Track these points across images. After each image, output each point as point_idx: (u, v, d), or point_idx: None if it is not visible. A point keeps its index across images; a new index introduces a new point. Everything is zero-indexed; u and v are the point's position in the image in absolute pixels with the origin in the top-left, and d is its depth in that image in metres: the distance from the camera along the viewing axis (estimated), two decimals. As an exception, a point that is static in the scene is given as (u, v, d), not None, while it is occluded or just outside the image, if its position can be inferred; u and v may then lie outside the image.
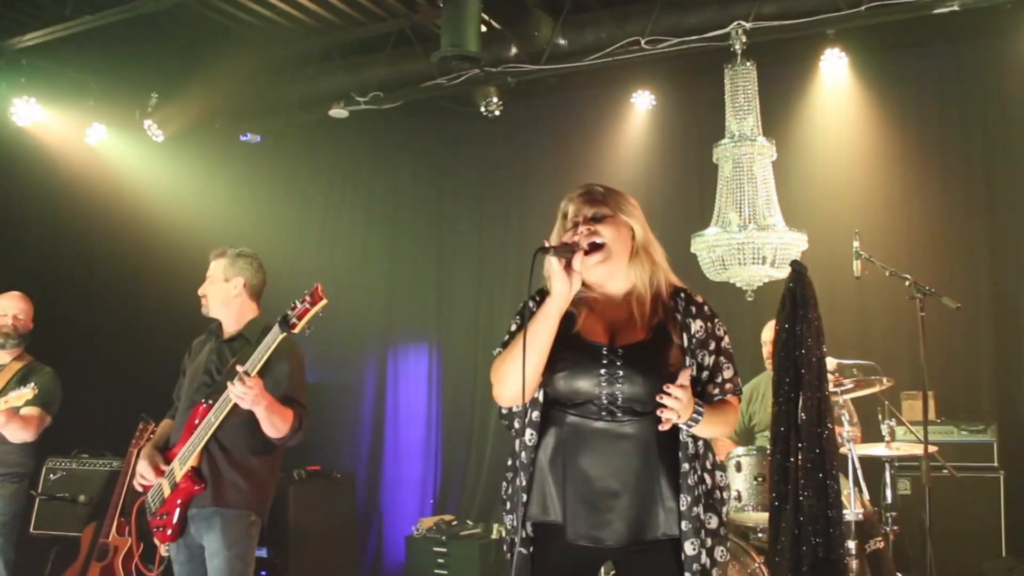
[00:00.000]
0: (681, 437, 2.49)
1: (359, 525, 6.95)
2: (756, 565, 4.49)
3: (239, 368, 3.52)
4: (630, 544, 2.51)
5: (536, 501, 2.57)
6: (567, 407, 2.56)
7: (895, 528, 4.67)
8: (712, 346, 2.57)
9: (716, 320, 2.61)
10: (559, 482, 2.54)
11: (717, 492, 2.57)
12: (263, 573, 5.97)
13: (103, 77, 6.26)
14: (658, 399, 2.36)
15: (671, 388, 2.36)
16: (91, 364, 5.95)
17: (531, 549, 2.60)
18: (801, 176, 6.04)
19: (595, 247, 2.52)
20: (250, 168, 7.25)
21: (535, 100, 6.87)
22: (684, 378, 2.39)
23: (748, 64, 5.45)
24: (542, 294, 2.60)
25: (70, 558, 5.43)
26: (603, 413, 2.50)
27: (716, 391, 2.56)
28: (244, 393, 3.46)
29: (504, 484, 2.72)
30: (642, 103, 6.68)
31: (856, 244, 4.71)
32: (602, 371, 2.50)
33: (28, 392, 4.08)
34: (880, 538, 4.64)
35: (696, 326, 2.55)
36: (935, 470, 4.93)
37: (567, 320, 2.55)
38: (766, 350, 5.36)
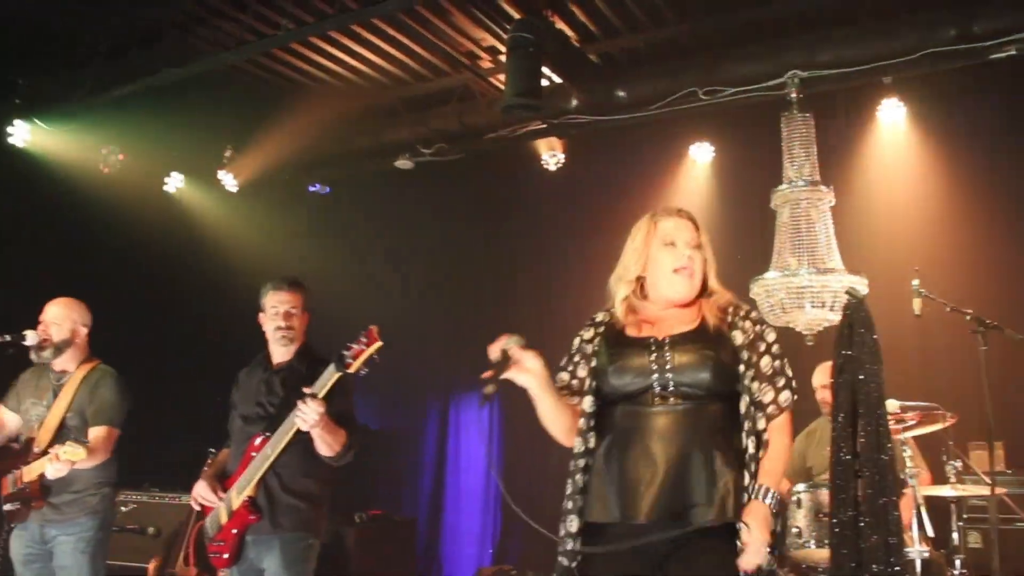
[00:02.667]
0: (745, 425, 2.64)
1: (419, 572, 6.97)
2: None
3: (305, 390, 3.62)
4: (697, 527, 2.55)
5: (594, 502, 2.68)
6: (622, 401, 2.70)
7: (964, 572, 4.56)
8: (761, 347, 2.72)
9: (763, 326, 2.77)
10: (614, 478, 2.64)
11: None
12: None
13: (182, 129, 6.57)
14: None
15: None
16: (162, 401, 6.13)
17: (577, 559, 2.69)
18: (860, 221, 6.04)
19: (690, 271, 2.77)
20: (318, 217, 7.48)
21: (594, 153, 7.01)
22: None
23: (805, 112, 5.53)
24: (594, 322, 2.87)
25: (137, 589, 5.55)
26: (656, 400, 2.65)
27: (761, 423, 2.66)
28: (311, 412, 3.55)
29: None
30: (700, 154, 6.80)
31: (916, 282, 4.71)
32: (651, 359, 2.67)
33: (81, 451, 4.00)
34: (947, 581, 4.54)
35: (739, 331, 2.72)
36: (1008, 521, 4.82)
37: (617, 330, 2.80)
38: (819, 395, 5.34)
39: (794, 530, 4.47)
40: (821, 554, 4.41)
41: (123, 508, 5.92)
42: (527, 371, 2.71)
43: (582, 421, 2.76)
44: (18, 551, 4.34)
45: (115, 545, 5.79)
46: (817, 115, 5.57)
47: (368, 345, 3.50)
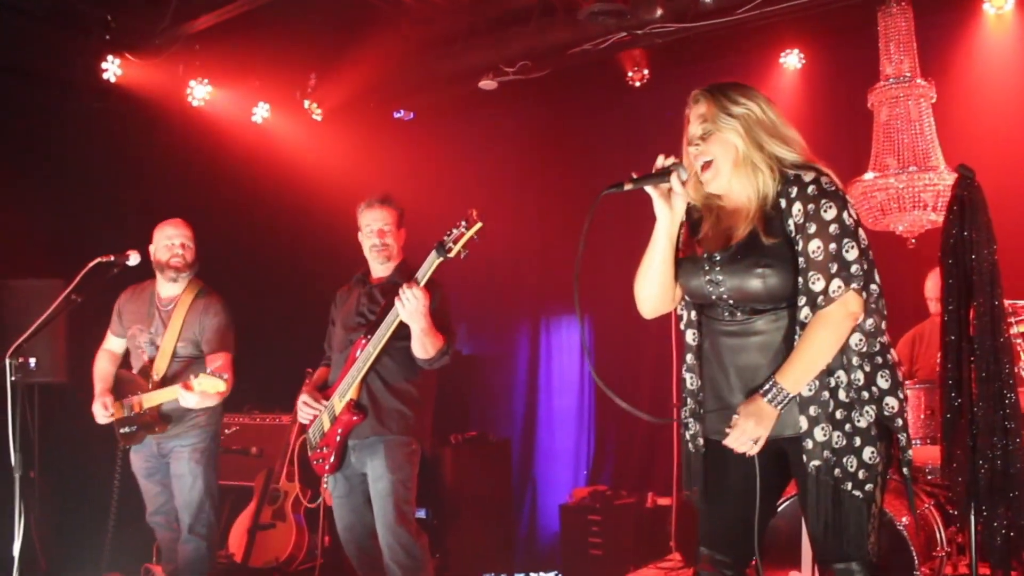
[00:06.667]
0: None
1: (514, 493, 7.03)
2: (926, 507, 4.31)
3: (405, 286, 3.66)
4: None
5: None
6: (702, 308, 2.66)
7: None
8: (812, 229, 2.41)
9: (823, 200, 2.42)
10: (707, 394, 2.66)
11: (856, 391, 2.44)
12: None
13: (267, 58, 6.61)
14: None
15: None
16: (260, 327, 6.26)
17: (700, 442, 2.69)
18: (963, 117, 5.75)
19: (705, 165, 2.56)
20: (403, 143, 7.46)
21: (681, 67, 6.82)
22: None
23: (903, 4, 5.28)
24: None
25: (243, 504, 5.74)
26: (726, 314, 2.57)
27: (805, 311, 2.42)
28: (412, 298, 3.58)
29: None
30: (791, 62, 6.57)
31: (1031, 170, 4.49)
32: (705, 277, 2.56)
33: (221, 384, 4.14)
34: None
35: (795, 210, 2.46)
36: None
37: (697, 226, 2.68)
38: (932, 306, 5.16)
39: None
40: (929, 452, 4.29)
41: (226, 431, 6.12)
42: (671, 204, 2.58)
43: (684, 311, 2.72)
44: (139, 465, 4.54)
45: (221, 465, 6.02)
46: (915, 9, 5.32)
47: (468, 227, 3.54)
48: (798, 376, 2.41)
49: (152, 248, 4.53)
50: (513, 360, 7.57)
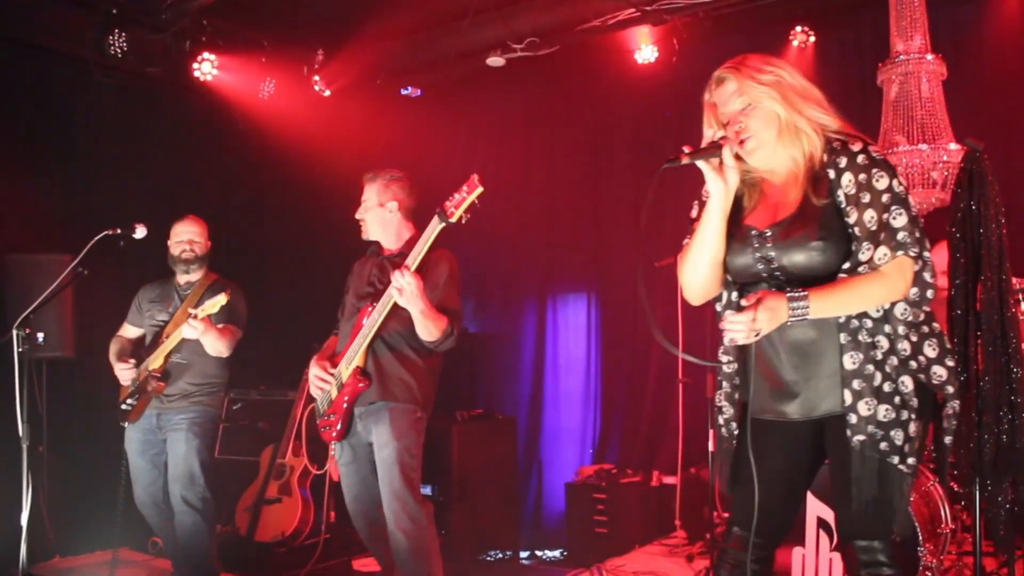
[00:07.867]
0: None
1: (520, 472, 7.03)
2: (930, 483, 4.30)
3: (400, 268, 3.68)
4: (810, 417, 2.52)
5: (742, 388, 2.65)
6: (747, 287, 2.60)
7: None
8: (866, 198, 2.39)
9: (874, 170, 2.40)
10: (750, 374, 2.57)
11: (903, 362, 2.42)
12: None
13: (275, 34, 6.59)
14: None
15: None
16: (267, 304, 6.27)
17: (732, 427, 2.68)
18: (974, 94, 5.70)
19: (746, 140, 2.52)
20: (411, 120, 7.43)
21: (690, 44, 6.78)
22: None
23: (914, -22, 5.23)
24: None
25: (249, 479, 5.76)
26: (773, 289, 2.50)
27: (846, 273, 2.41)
28: (404, 283, 3.60)
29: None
30: (800, 40, 6.51)
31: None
32: (756, 253, 2.52)
33: (222, 298, 4.25)
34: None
35: (846, 180, 2.43)
36: None
37: (740, 203, 2.62)
38: (938, 282, 5.13)
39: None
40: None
41: (235, 407, 6.16)
42: (724, 179, 2.50)
43: (733, 294, 2.66)
44: (135, 440, 4.58)
45: (229, 441, 6.06)
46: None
47: (469, 192, 3.55)
48: (829, 305, 2.36)
49: (169, 244, 4.76)
50: (520, 338, 7.55)
